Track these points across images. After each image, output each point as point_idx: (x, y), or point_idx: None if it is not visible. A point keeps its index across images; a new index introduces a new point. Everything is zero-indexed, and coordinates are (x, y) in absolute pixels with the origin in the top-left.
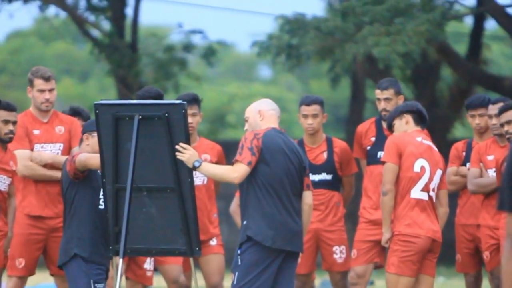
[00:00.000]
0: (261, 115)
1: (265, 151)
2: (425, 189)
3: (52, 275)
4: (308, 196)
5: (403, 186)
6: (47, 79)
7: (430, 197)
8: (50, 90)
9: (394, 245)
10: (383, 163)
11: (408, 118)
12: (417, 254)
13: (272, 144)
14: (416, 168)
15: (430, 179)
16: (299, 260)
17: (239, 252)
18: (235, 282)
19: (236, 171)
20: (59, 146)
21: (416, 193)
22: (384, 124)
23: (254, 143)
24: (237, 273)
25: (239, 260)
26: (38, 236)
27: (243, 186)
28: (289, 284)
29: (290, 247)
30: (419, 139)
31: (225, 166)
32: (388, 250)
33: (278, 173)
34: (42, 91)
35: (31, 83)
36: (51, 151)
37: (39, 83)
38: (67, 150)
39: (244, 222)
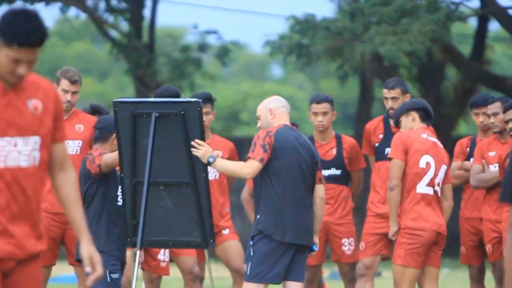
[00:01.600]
0: (272, 113)
1: (277, 148)
2: (431, 184)
3: (71, 264)
4: (320, 190)
5: (409, 181)
6: (73, 82)
7: (435, 191)
8: (74, 93)
9: (401, 238)
10: (390, 159)
11: (415, 115)
12: (422, 246)
13: (284, 141)
14: (422, 164)
15: (435, 174)
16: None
17: (251, 243)
18: (248, 273)
19: (249, 167)
20: (78, 143)
21: (422, 188)
22: (392, 122)
23: (267, 140)
24: (250, 263)
25: (251, 251)
26: (55, 229)
27: (257, 181)
28: (300, 276)
29: (300, 241)
30: (424, 136)
31: (238, 162)
32: (395, 242)
33: (290, 169)
34: (65, 91)
35: (58, 81)
36: (68, 147)
37: (64, 83)
38: (86, 148)
39: (258, 217)
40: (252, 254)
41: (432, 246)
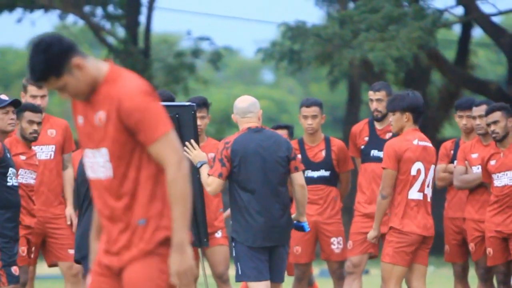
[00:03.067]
0: (234, 119)
1: (235, 159)
2: (421, 189)
3: (50, 266)
4: (297, 178)
5: (400, 187)
6: (40, 86)
7: (425, 195)
8: (42, 97)
9: (390, 236)
10: (383, 168)
11: (409, 116)
12: (410, 246)
13: (242, 149)
14: (413, 172)
15: (425, 178)
16: (300, 250)
17: (233, 244)
18: (239, 272)
19: (209, 185)
20: (52, 148)
21: (413, 194)
22: (377, 125)
23: (224, 154)
24: (238, 263)
25: (234, 252)
26: (37, 230)
27: (229, 189)
28: (279, 277)
29: (272, 243)
30: (415, 142)
31: (205, 177)
32: (384, 241)
33: (253, 176)
34: (34, 97)
35: (24, 88)
36: (42, 153)
37: (32, 89)
38: (59, 152)
39: (231, 223)
40: (234, 254)
41: (420, 245)
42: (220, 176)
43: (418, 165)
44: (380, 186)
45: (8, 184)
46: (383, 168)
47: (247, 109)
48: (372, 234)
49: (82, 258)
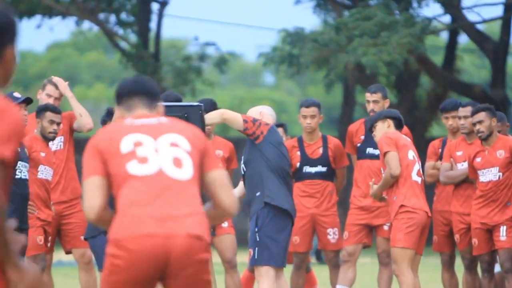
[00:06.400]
0: (261, 115)
1: (268, 139)
2: (418, 174)
3: (67, 253)
4: None
5: (403, 170)
6: (57, 87)
7: (422, 180)
8: (56, 98)
9: (397, 222)
10: (385, 154)
11: (390, 122)
12: (418, 227)
13: (277, 135)
14: (410, 157)
15: (419, 165)
16: (298, 240)
17: (256, 229)
18: (256, 257)
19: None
20: (60, 138)
21: (415, 176)
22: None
23: (263, 123)
24: (256, 248)
25: (257, 236)
26: (54, 220)
27: (254, 164)
28: (285, 256)
29: (293, 213)
30: (404, 136)
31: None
32: (392, 228)
33: (283, 160)
34: (49, 96)
35: (43, 87)
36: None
37: (49, 88)
38: (68, 141)
39: (258, 194)
40: (258, 239)
41: (422, 231)
42: (246, 123)
43: (412, 152)
44: (387, 169)
45: (16, 176)
46: (385, 153)
47: (275, 119)
48: (372, 190)
49: (91, 237)
